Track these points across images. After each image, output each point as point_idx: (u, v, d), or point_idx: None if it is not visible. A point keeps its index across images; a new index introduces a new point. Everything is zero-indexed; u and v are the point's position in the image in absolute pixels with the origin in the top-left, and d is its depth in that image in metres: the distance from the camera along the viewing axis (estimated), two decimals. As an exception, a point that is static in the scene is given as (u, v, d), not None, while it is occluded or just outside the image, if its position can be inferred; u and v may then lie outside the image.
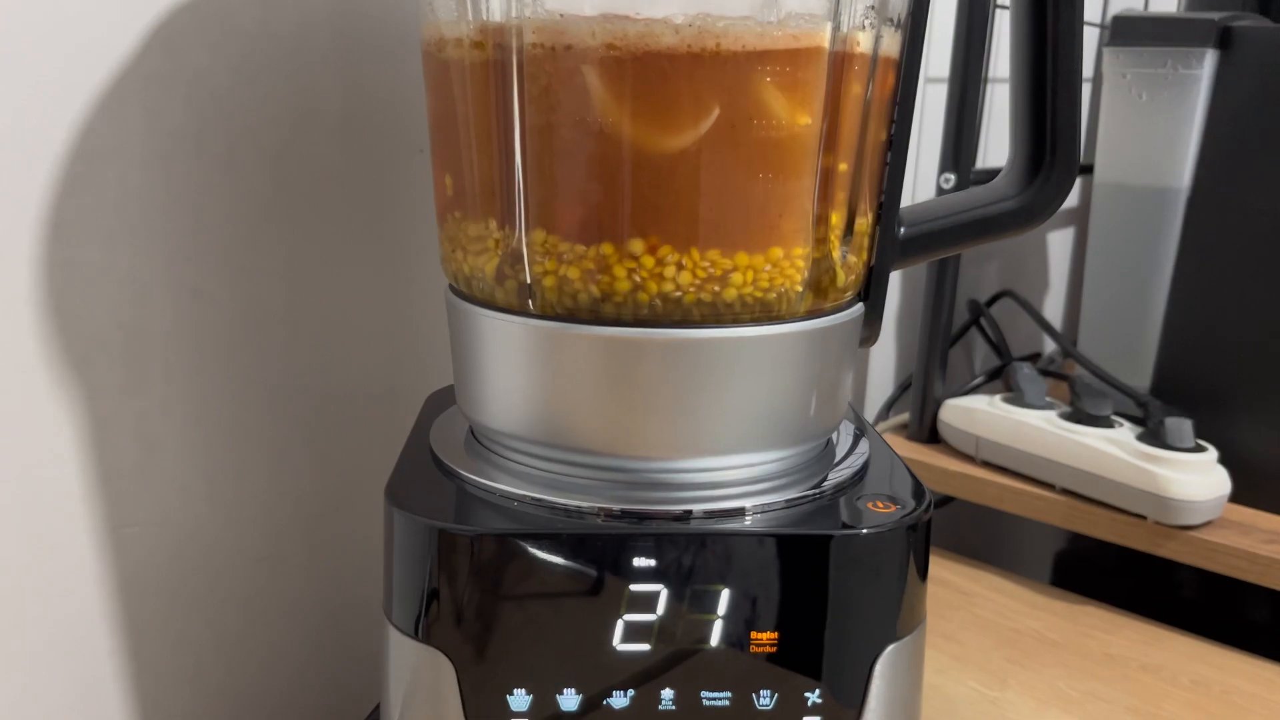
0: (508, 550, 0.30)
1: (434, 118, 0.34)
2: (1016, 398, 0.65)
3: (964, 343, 0.82)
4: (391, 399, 0.47)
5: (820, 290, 0.32)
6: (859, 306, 0.35)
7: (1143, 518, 0.57)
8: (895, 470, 0.36)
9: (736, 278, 0.30)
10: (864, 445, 0.38)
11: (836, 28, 0.29)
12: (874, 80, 0.32)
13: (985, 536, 0.76)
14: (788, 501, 0.32)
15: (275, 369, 0.43)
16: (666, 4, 0.28)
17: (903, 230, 0.35)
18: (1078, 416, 0.62)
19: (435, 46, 0.32)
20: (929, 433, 0.68)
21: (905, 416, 0.71)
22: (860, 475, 0.35)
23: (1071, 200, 0.91)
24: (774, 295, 0.31)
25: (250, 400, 0.42)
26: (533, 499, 0.32)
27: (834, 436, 0.38)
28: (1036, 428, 0.62)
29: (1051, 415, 0.63)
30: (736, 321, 0.31)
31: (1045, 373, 0.69)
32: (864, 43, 0.31)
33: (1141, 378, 0.66)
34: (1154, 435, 0.58)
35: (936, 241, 0.35)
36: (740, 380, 0.31)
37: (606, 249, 0.30)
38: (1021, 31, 0.35)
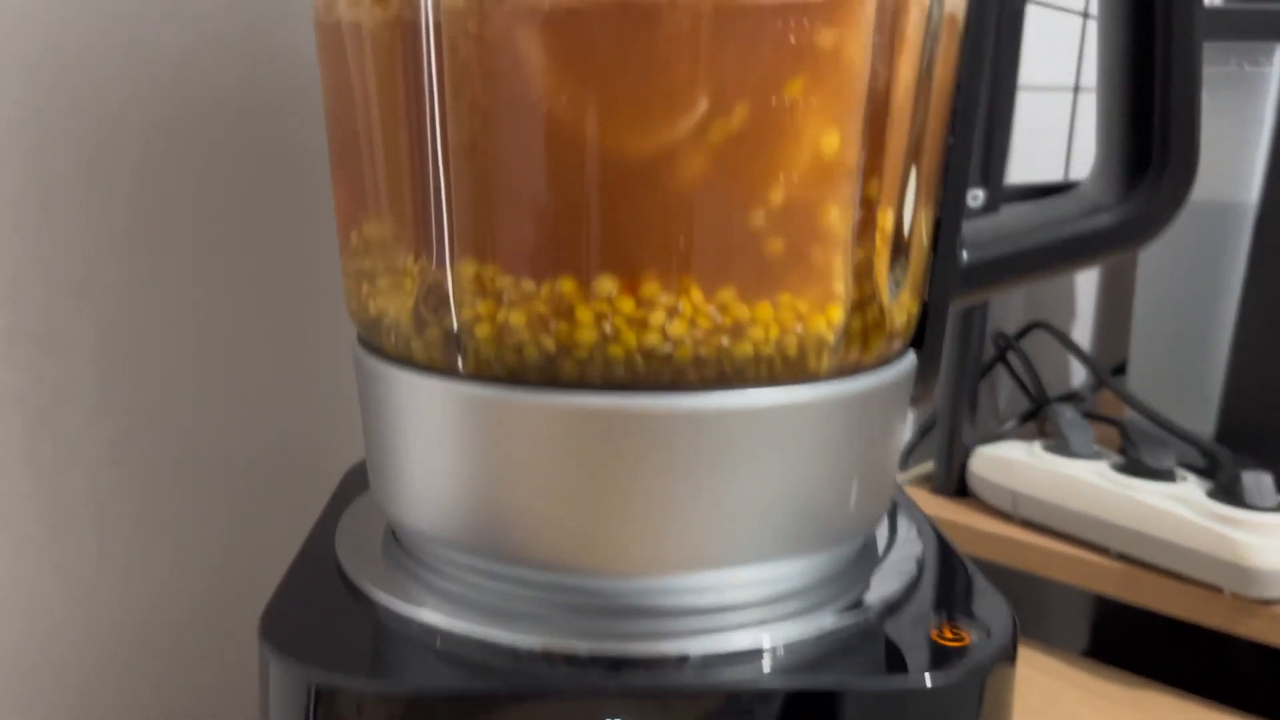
0: (422, 717, 0.21)
1: (330, 107, 0.25)
2: (1059, 445, 0.57)
3: (986, 381, 0.74)
4: (314, 462, 0.38)
5: (863, 337, 0.24)
6: (910, 356, 0.26)
7: (1218, 589, 0.48)
8: (958, 571, 0.27)
9: (756, 332, 0.22)
10: (907, 530, 0.29)
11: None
12: (934, 48, 0.23)
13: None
14: (821, 633, 0.23)
15: (152, 430, 0.34)
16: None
17: (965, 255, 0.26)
18: (1133, 468, 0.53)
19: (325, 5, 0.23)
20: (957, 485, 0.60)
21: (928, 466, 0.62)
22: (914, 584, 0.26)
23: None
24: (801, 346, 0.22)
25: (119, 471, 0.33)
26: (461, 636, 0.23)
27: (872, 525, 0.29)
28: (1086, 482, 0.53)
29: (1102, 466, 0.54)
30: (747, 383, 0.22)
31: (1090, 416, 0.61)
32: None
33: (1203, 422, 0.58)
34: (1227, 491, 0.50)
35: (1011, 268, 0.26)
36: (754, 463, 0.22)
37: (565, 286, 0.21)
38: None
